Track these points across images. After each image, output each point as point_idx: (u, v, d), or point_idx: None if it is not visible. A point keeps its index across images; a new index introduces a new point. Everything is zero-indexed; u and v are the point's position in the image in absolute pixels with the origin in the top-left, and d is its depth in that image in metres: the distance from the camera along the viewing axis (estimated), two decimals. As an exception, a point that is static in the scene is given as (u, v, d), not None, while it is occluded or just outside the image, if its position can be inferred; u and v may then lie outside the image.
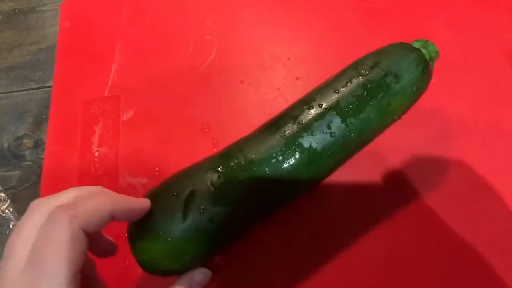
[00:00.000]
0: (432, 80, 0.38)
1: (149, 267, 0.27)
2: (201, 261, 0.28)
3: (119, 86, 0.41)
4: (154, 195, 0.28)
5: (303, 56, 0.41)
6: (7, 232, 0.36)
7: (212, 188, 0.27)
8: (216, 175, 0.28)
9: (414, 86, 0.31)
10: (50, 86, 0.42)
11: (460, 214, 0.34)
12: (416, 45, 0.32)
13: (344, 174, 0.34)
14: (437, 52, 0.32)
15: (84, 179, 0.37)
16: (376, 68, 0.30)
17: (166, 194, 0.28)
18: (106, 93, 0.40)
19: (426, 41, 0.32)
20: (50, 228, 0.23)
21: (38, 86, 0.42)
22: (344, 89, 0.30)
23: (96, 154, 0.38)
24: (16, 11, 0.47)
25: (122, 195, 0.26)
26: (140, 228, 0.27)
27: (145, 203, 0.27)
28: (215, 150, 0.37)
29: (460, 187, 0.35)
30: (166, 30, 0.43)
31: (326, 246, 0.33)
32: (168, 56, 0.42)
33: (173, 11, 0.44)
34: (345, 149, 0.29)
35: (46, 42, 0.45)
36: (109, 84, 0.41)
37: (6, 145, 0.40)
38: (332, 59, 0.40)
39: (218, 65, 0.41)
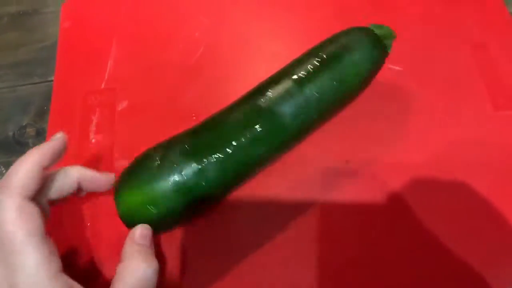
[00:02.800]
0: (402, 69, 0.42)
1: (129, 220, 0.30)
2: (175, 219, 0.31)
3: (114, 79, 0.44)
4: (132, 162, 0.32)
5: (287, 49, 0.44)
6: (11, 211, 0.39)
7: (185, 147, 0.31)
8: (187, 138, 0.32)
9: (367, 57, 0.34)
10: (52, 80, 0.45)
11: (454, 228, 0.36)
12: (371, 27, 0.36)
13: (342, 192, 0.37)
14: (390, 31, 0.36)
15: (81, 163, 0.40)
16: (330, 44, 0.34)
17: (142, 158, 0.32)
18: (102, 85, 0.44)
19: (381, 25, 0.36)
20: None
21: (41, 80, 0.46)
22: (302, 64, 0.34)
23: (93, 141, 0.41)
24: (21, 13, 0.50)
25: (40, 147, 0.29)
26: (120, 186, 0.31)
27: (59, 137, 0.30)
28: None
29: (454, 203, 0.37)
30: (159, 28, 0.47)
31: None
32: (160, 52, 0.45)
33: (165, 11, 0.48)
34: (306, 114, 0.33)
35: (48, 41, 0.48)
36: (106, 78, 0.44)
37: (11, 133, 0.43)
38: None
39: (206, 59, 0.44)
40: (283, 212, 0.37)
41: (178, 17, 0.47)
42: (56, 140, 0.29)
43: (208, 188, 0.31)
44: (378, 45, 0.35)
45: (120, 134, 0.41)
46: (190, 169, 0.30)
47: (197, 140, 0.32)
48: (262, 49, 0.44)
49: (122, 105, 0.42)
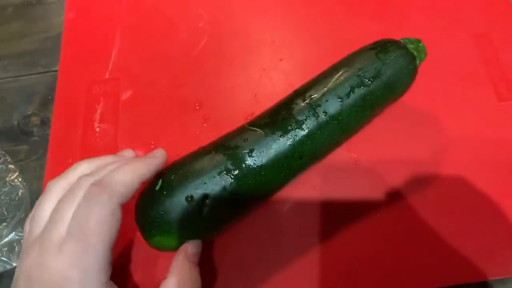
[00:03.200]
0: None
1: (161, 250, 0.31)
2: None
3: (119, 69, 0.44)
4: (167, 191, 0.29)
5: (286, 39, 0.44)
6: (16, 198, 0.39)
7: (225, 191, 0.30)
8: (228, 179, 0.30)
9: (404, 92, 0.36)
10: (56, 70, 0.45)
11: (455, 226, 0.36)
12: (410, 47, 0.35)
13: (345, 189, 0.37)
14: (425, 54, 0.36)
15: (86, 152, 0.40)
16: (377, 79, 0.33)
17: (180, 193, 0.29)
18: (107, 75, 0.44)
19: (418, 42, 0.36)
20: (89, 207, 0.25)
21: (45, 70, 0.46)
22: (347, 98, 0.33)
23: (98, 130, 0.41)
24: (25, 3, 0.51)
25: (144, 161, 0.29)
26: (154, 225, 0.29)
27: (161, 155, 0.31)
28: (205, 125, 0.40)
29: (452, 198, 0.37)
30: (162, 18, 0.47)
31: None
32: (163, 42, 0.45)
33: (169, 1, 0.48)
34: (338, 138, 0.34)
35: (53, 31, 0.49)
36: (110, 68, 0.44)
37: (16, 122, 0.43)
38: (314, 41, 0.44)
39: (209, 49, 0.45)
40: (284, 207, 0.37)
41: (182, 8, 0.47)
42: (159, 157, 0.30)
43: (237, 215, 0.33)
44: (415, 69, 0.35)
45: (124, 123, 0.41)
46: (229, 214, 0.31)
47: (237, 184, 0.30)
48: (264, 40, 0.45)
49: (126, 94, 0.43)
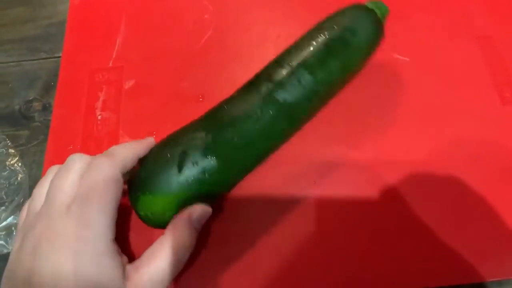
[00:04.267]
0: (406, 59, 0.42)
1: (151, 221, 0.30)
2: None
3: (122, 58, 0.44)
4: (149, 157, 0.32)
5: (292, 34, 0.44)
6: (15, 183, 0.39)
7: (201, 144, 0.31)
8: (203, 133, 0.31)
9: (370, 38, 0.35)
10: (59, 57, 0.45)
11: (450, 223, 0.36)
12: (369, 5, 0.36)
13: (337, 186, 0.37)
14: (387, 10, 0.36)
15: (87, 139, 0.40)
16: (335, 27, 0.34)
17: (161, 155, 0.31)
18: (110, 63, 0.44)
19: (378, 2, 0.36)
20: (96, 172, 0.27)
21: (48, 56, 0.46)
22: (310, 47, 0.34)
23: (99, 117, 0.41)
24: (30, -12, 0.50)
25: (138, 142, 0.32)
26: (140, 186, 0.30)
27: (151, 141, 0.33)
28: (207, 117, 0.40)
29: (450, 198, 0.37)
30: (168, 8, 0.47)
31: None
32: (168, 32, 0.45)
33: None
34: (314, 100, 0.34)
35: (57, 18, 0.48)
36: (114, 56, 0.44)
37: (17, 107, 0.43)
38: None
39: (213, 42, 0.44)
40: (277, 205, 0.37)
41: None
42: (150, 140, 0.33)
43: (224, 181, 0.32)
44: (378, 25, 0.36)
45: (126, 112, 0.41)
46: (210, 166, 0.30)
47: (213, 135, 0.31)
48: (268, 33, 0.45)
49: (129, 83, 0.43)
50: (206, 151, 0.31)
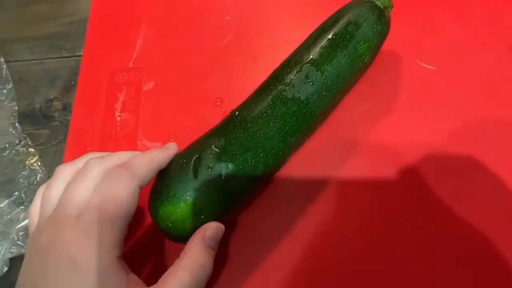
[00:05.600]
0: (433, 68, 0.41)
1: (172, 232, 0.30)
2: (219, 220, 0.30)
3: (143, 59, 0.44)
4: (166, 169, 0.31)
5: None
6: (35, 182, 0.39)
7: (215, 149, 0.31)
8: (216, 138, 0.31)
9: (374, 30, 0.35)
10: (80, 56, 0.45)
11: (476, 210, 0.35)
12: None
13: (360, 169, 0.37)
14: (389, 2, 0.36)
15: (105, 140, 0.40)
16: (337, 23, 0.35)
17: (176, 164, 0.31)
18: (130, 64, 0.44)
19: None
20: (113, 184, 0.26)
21: (69, 54, 0.46)
22: (315, 45, 0.35)
23: (118, 119, 0.41)
24: (54, -15, 0.51)
25: (160, 151, 0.30)
26: (158, 197, 0.30)
27: (174, 147, 0.32)
28: (226, 122, 0.40)
29: (473, 184, 0.36)
30: (189, 9, 0.46)
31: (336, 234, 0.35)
32: (189, 33, 0.45)
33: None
34: (326, 94, 0.34)
35: (79, 16, 0.48)
36: (134, 57, 0.44)
37: (38, 106, 0.44)
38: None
39: (234, 44, 0.44)
40: (300, 189, 0.37)
41: (209, 0, 0.47)
42: (172, 149, 0.31)
43: (246, 184, 0.31)
44: (383, 18, 0.36)
45: (145, 114, 0.41)
46: (225, 169, 0.30)
47: (229, 140, 0.31)
48: (289, 37, 0.43)
49: (149, 85, 0.42)
50: (220, 155, 0.30)
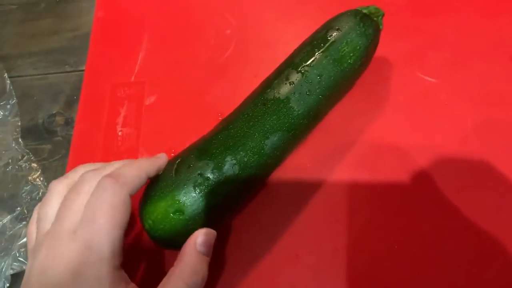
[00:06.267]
0: (434, 80, 0.40)
1: (155, 234, 0.30)
2: (204, 222, 0.31)
3: (144, 73, 0.44)
4: (155, 176, 0.31)
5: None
6: (37, 197, 0.40)
7: (195, 150, 0.32)
8: (199, 141, 0.33)
9: (358, 32, 0.35)
10: (83, 70, 0.45)
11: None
12: (359, 8, 0.37)
13: (359, 179, 0.37)
14: (377, 9, 0.36)
15: (107, 155, 0.40)
16: (321, 29, 0.36)
17: (163, 170, 0.32)
18: (132, 79, 0.44)
19: (368, 6, 0.37)
20: (102, 194, 0.26)
21: (72, 69, 0.47)
22: (297, 51, 0.36)
23: (120, 133, 0.41)
24: (58, 0, 0.51)
25: (149, 160, 0.31)
26: (143, 200, 0.31)
27: (163, 157, 0.32)
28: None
29: (484, 187, 0.36)
30: (190, 23, 0.46)
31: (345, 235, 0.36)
32: (190, 48, 0.45)
33: (197, 6, 0.47)
34: (309, 94, 0.34)
35: (82, 30, 0.49)
36: (136, 71, 0.44)
37: (40, 121, 0.44)
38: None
39: (235, 58, 0.44)
40: (311, 191, 0.37)
41: (211, 13, 0.47)
42: (161, 158, 0.32)
43: (228, 184, 0.31)
44: (367, 21, 0.36)
45: (146, 129, 0.41)
46: (205, 166, 0.30)
47: (210, 140, 0.33)
48: (289, 51, 0.43)
49: (150, 99, 0.43)
50: (200, 155, 0.31)
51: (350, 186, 0.37)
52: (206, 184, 0.30)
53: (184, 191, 0.30)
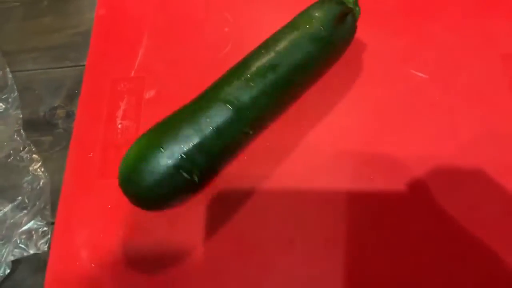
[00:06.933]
0: (426, 77, 0.42)
1: (126, 177, 0.32)
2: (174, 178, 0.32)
3: (144, 68, 0.45)
4: None
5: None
6: (38, 187, 0.40)
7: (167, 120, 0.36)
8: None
9: (325, 8, 0.37)
10: (83, 65, 0.46)
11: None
12: None
13: (350, 179, 0.38)
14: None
15: (107, 147, 0.41)
16: (294, 19, 0.39)
17: None
18: (132, 73, 0.45)
19: None
20: None
21: (73, 64, 0.48)
22: (271, 36, 0.39)
23: (119, 126, 0.42)
24: (60, -3, 0.52)
25: None
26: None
27: None
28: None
29: (478, 195, 0.37)
30: (189, 21, 0.48)
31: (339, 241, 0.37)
32: (189, 44, 0.46)
33: (196, 4, 0.49)
34: (277, 69, 0.36)
35: (83, 27, 0.50)
36: (136, 66, 0.45)
37: (42, 114, 0.45)
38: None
39: (232, 56, 0.45)
40: (309, 201, 0.38)
41: (210, 11, 0.48)
42: None
43: (191, 156, 0.33)
44: (334, 4, 0.37)
45: (146, 122, 0.42)
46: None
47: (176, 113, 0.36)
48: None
49: (150, 94, 0.44)
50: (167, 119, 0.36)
51: (349, 186, 0.38)
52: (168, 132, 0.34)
53: (147, 145, 0.33)
